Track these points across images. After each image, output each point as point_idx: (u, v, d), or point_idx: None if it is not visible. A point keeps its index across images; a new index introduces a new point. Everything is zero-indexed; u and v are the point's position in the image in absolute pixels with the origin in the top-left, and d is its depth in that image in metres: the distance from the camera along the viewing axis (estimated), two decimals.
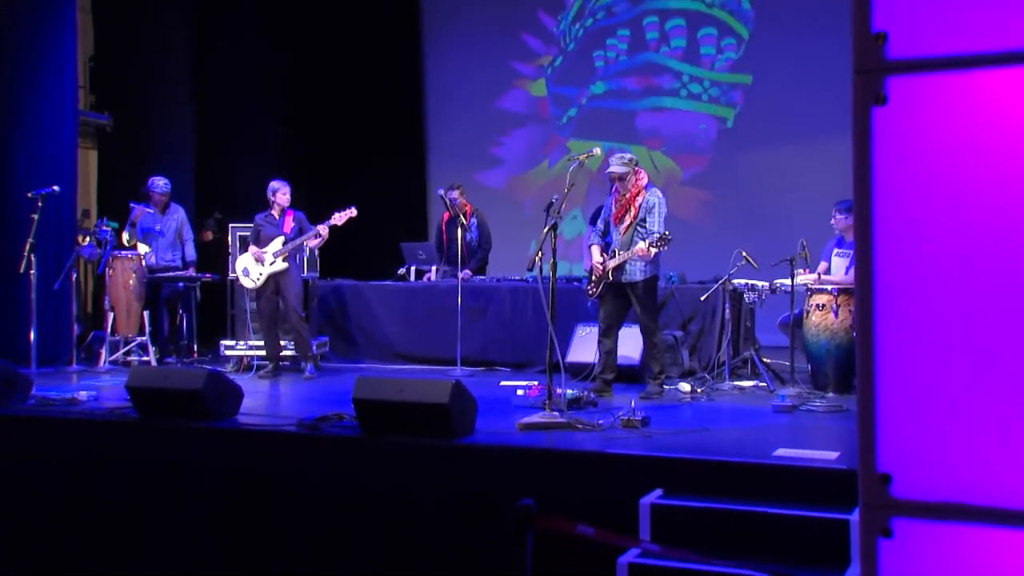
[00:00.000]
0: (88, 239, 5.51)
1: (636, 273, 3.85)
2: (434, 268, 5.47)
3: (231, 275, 5.15)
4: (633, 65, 6.90)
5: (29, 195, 4.90)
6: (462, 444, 2.93)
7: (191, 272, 5.42)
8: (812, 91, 6.08)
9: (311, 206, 5.23)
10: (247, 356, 5.03)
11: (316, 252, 5.17)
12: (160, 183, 5.39)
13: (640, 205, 3.84)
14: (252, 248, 4.84)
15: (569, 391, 3.54)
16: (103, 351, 5.05)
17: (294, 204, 4.98)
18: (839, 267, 4.26)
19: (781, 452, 2.76)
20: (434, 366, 4.97)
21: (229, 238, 5.32)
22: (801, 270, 4.23)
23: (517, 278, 5.26)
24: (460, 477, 2.90)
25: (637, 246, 3.74)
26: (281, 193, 4.85)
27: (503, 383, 4.36)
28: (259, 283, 4.81)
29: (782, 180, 6.34)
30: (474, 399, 3.08)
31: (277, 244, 4.81)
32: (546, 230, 3.35)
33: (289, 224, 4.85)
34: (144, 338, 5.09)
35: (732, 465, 2.68)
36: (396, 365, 5.13)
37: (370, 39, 7.25)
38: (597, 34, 7.01)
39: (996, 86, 0.81)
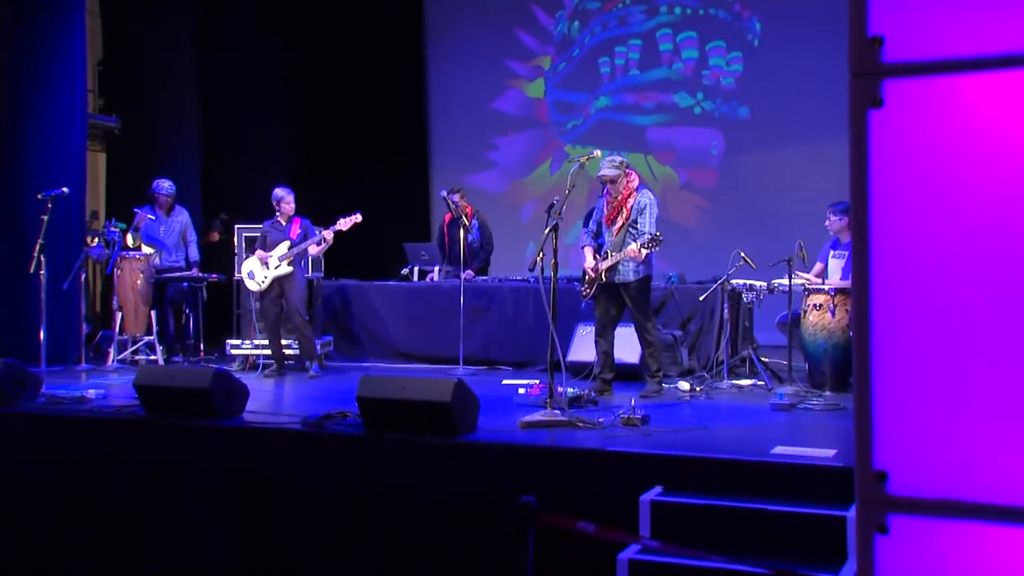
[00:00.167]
0: (96, 240, 5.57)
1: (629, 274, 3.88)
2: (437, 268, 5.51)
3: (237, 275, 5.20)
4: (645, 78, 6.88)
5: (39, 196, 4.95)
6: (464, 442, 2.97)
7: (195, 272, 5.48)
8: (810, 94, 6.09)
9: (315, 207, 5.28)
10: (253, 355, 5.08)
11: (321, 256, 5.22)
12: (165, 185, 5.46)
13: (632, 207, 3.88)
14: (258, 252, 4.90)
15: (570, 390, 3.57)
16: (111, 350, 5.11)
17: (299, 205, 5.02)
18: (835, 268, 4.28)
19: (779, 450, 2.78)
20: (437, 365, 5.01)
21: (235, 239, 5.36)
22: (798, 273, 4.27)
23: (519, 278, 5.30)
24: (462, 474, 2.93)
25: (629, 248, 3.78)
26: (285, 202, 4.90)
27: (505, 382, 4.39)
28: (264, 286, 4.86)
29: (780, 182, 6.35)
30: (476, 398, 3.11)
31: (282, 248, 4.86)
32: (547, 231, 3.38)
33: (296, 230, 4.90)
34: (151, 337, 5.15)
35: (731, 463, 2.70)
36: (399, 364, 5.16)
37: (373, 41, 7.28)
38: (607, 43, 6.99)
39: (991, 89, 0.83)
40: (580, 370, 4.44)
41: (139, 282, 5.12)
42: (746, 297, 4.53)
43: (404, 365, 5.11)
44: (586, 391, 3.76)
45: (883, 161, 0.87)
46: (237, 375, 3.86)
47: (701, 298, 4.51)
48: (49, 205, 4.89)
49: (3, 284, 5.18)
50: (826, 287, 4.06)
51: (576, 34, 7.16)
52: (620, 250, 3.85)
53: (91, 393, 3.87)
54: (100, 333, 5.53)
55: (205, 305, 5.52)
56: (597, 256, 3.97)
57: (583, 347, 4.59)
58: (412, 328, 5.29)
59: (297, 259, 4.89)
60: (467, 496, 2.88)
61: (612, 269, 3.88)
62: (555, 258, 3.35)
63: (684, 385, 4.12)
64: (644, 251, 3.75)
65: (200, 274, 5.51)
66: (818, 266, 4.40)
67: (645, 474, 2.69)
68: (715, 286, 4.47)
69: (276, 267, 4.84)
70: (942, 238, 0.85)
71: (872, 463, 0.87)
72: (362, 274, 5.74)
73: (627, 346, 4.20)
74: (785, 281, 4.19)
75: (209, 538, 3.19)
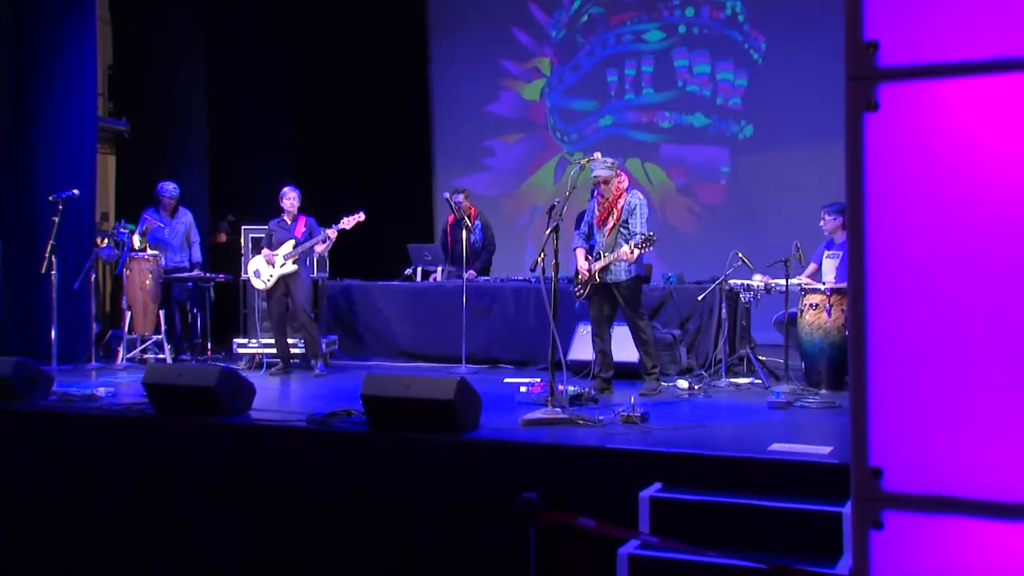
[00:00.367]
0: (106, 241, 5.65)
1: (621, 273, 3.93)
2: (440, 269, 5.56)
3: (244, 276, 5.26)
4: (658, 97, 6.87)
5: (50, 199, 5.02)
6: (467, 439, 3.00)
7: (197, 273, 5.55)
8: (807, 99, 6.12)
9: (320, 208, 5.34)
10: (259, 354, 5.14)
11: (325, 254, 5.28)
12: (169, 188, 5.54)
13: (622, 207, 3.92)
14: (264, 251, 4.96)
15: (571, 388, 3.60)
16: (120, 349, 5.18)
17: (305, 206, 5.09)
18: (829, 268, 4.31)
19: (776, 447, 2.81)
20: (440, 364, 5.05)
21: (242, 239, 5.42)
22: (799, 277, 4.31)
23: (520, 279, 5.34)
24: (465, 471, 2.96)
25: (621, 249, 3.83)
26: (287, 199, 4.96)
27: (507, 380, 4.43)
28: (269, 285, 4.92)
29: (778, 184, 6.37)
30: (479, 396, 3.15)
31: (288, 247, 4.91)
32: (548, 232, 3.43)
33: (300, 229, 4.96)
34: (160, 336, 5.21)
35: (729, 459, 2.74)
36: (403, 363, 5.21)
37: (377, 43, 7.31)
38: (618, 57, 6.98)
39: (984, 93, 0.84)
40: (580, 369, 4.48)
41: (148, 282, 5.19)
42: (744, 297, 4.56)
43: (408, 364, 5.16)
44: (586, 389, 3.80)
45: (878, 163, 0.88)
46: (243, 373, 3.89)
47: (700, 298, 4.55)
48: (60, 207, 4.96)
49: (15, 284, 5.25)
50: (822, 287, 4.09)
51: (581, 41, 7.15)
52: (612, 250, 3.89)
53: (101, 391, 3.93)
54: (110, 332, 5.59)
55: (212, 305, 5.58)
56: (589, 257, 4.01)
57: (583, 346, 4.63)
58: (415, 327, 5.34)
59: (303, 258, 4.94)
60: (469, 492, 2.91)
61: (604, 269, 3.92)
62: (556, 258, 3.39)
63: (683, 383, 4.15)
64: (636, 251, 3.79)
65: (208, 274, 5.58)
66: (812, 267, 4.43)
67: (644, 471, 2.72)
68: (713, 286, 4.51)
69: (281, 266, 4.89)
70: (936, 239, 0.86)
71: (867, 460, 0.88)
72: (366, 274, 5.79)
73: (627, 345, 4.23)
74: (782, 281, 4.22)
75: (216, 532, 3.24)
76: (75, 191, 5.08)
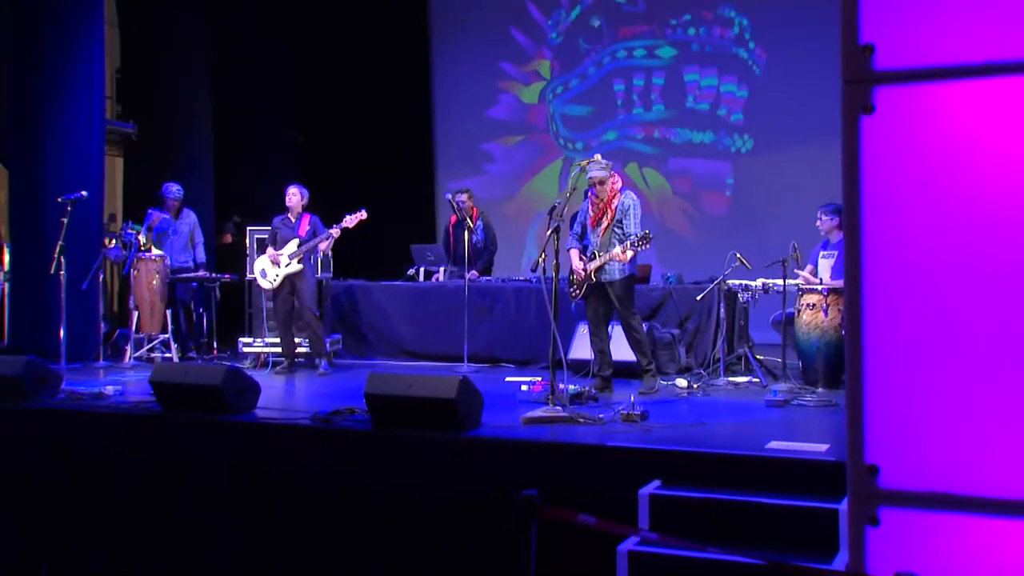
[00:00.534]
0: (114, 242, 5.73)
1: (615, 272, 3.96)
2: (442, 269, 5.59)
3: (249, 275, 5.31)
4: (666, 112, 6.89)
5: (59, 200, 5.08)
6: (469, 437, 3.04)
7: (202, 273, 5.61)
8: (805, 99, 6.13)
9: (324, 208, 5.39)
10: (264, 353, 5.18)
11: (329, 253, 5.33)
12: (174, 189, 5.61)
13: (616, 207, 3.96)
14: (269, 250, 5.00)
15: (571, 387, 3.64)
16: (128, 348, 5.24)
17: (308, 207, 5.14)
18: (825, 268, 4.33)
19: (774, 445, 2.84)
20: (442, 363, 5.09)
21: (247, 240, 5.47)
22: (799, 272, 4.33)
23: (521, 279, 5.38)
24: (467, 469, 2.99)
25: (615, 250, 3.86)
26: (289, 195, 5.01)
27: (508, 379, 4.46)
28: (275, 284, 4.97)
29: (777, 185, 6.39)
30: (480, 394, 3.18)
31: (292, 246, 4.96)
32: (549, 232, 3.46)
33: (305, 227, 5.00)
34: (167, 335, 5.27)
35: (727, 457, 2.76)
36: (406, 362, 5.25)
37: (379, 44, 7.35)
38: (626, 70, 6.98)
39: (978, 96, 0.86)
40: (581, 368, 4.51)
41: (155, 282, 5.25)
42: (742, 297, 4.59)
43: (410, 363, 5.20)
44: (587, 388, 3.83)
45: (874, 165, 0.90)
46: (249, 372, 3.93)
47: (698, 298, 4.59)
48: (68, 208, 5.01)
49: (25, 284, 5.31)
50: (819, 287, 4.11)
51: (585, 48, 7.14)
52: (607, 250, 3.92)
53: (109, 389, 3.97)
54: (117, 331, 5.66)
55: (218, 304, 5.64)
56: (583, 257, 4.04)
57: (584, 346, 4.65)
58: (418, 327, 5.38)
59: (307, 257, 4.99)
60: (471, 489, 2.94)
61: (599, 269, 3.95)
62: (556, 259, 3.43)
63: (682, 382, 4.18)
64: (630, 252, 3.83)
65: (213, 274, 5.64)
66: (808, 268, 4.46)
67: (644, 468, 2.75)
68: (712, 286, 4.55)
69: (287, 265, 4.94)
70: (931, 239, 0.88)
71: (864, 457, 0.90)
72: (369, 275, 5.83)
73: (626, 345, 4.26)
74: (779, 281, 4.25)
75: (223, 529, 3.29)
76: (83, 193, 5.13)
